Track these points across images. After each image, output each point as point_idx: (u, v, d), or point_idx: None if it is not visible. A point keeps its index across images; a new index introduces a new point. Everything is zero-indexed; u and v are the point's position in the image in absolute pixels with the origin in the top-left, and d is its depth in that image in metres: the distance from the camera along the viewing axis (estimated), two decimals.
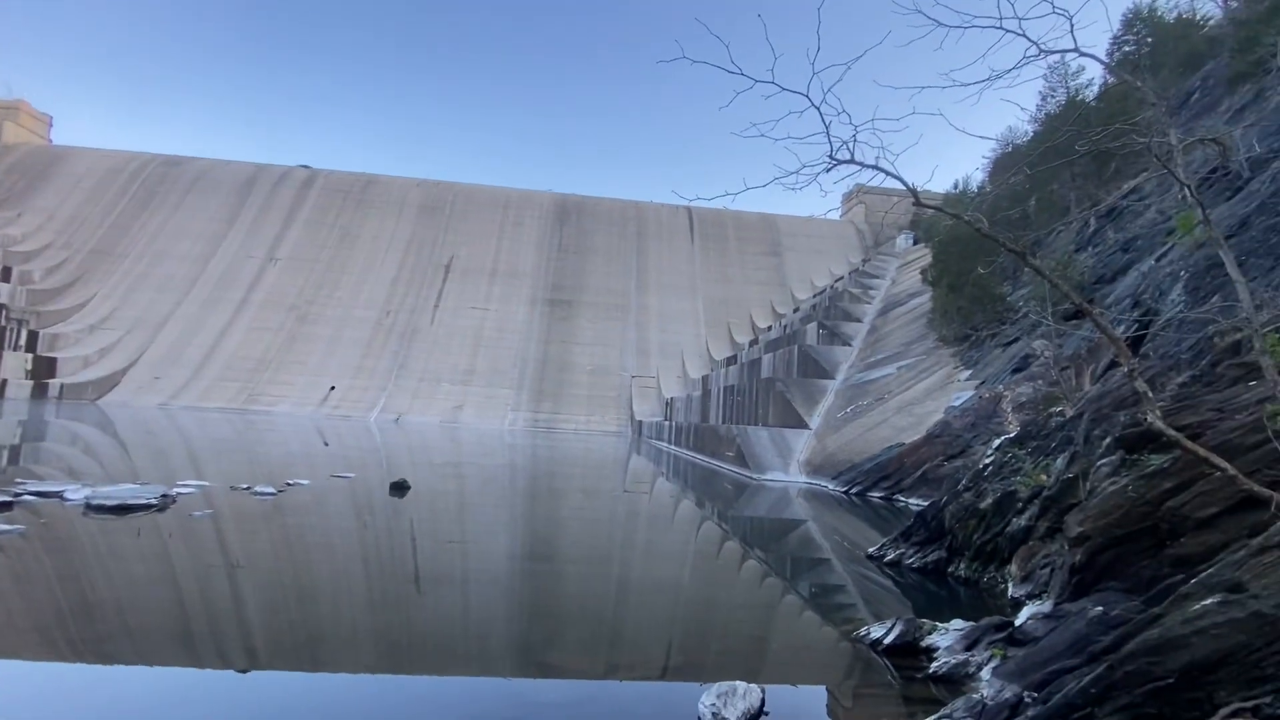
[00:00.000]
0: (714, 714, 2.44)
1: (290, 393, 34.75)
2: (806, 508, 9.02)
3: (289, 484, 7.59)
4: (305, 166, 46.84)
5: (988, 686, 2.86)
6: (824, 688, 2.96)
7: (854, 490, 10.42)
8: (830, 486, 10.97)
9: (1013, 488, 4.99)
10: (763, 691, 2.50)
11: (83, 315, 36.29)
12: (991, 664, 3.05)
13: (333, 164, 54.14)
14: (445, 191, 46.77)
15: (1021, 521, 4.76)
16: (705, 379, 28.22)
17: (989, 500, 5.04)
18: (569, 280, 42.98)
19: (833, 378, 16.62)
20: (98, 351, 34.41)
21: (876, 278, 30.23)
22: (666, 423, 26.43)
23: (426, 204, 45.55)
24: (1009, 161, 18.96)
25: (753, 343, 31.70)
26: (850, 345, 19.10)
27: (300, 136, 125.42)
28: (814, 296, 37.01)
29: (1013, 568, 4.62)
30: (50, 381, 31.75)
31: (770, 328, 35.33)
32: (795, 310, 35.54)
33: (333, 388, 35.27)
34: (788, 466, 12.52)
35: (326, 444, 16.17)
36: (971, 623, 3.40)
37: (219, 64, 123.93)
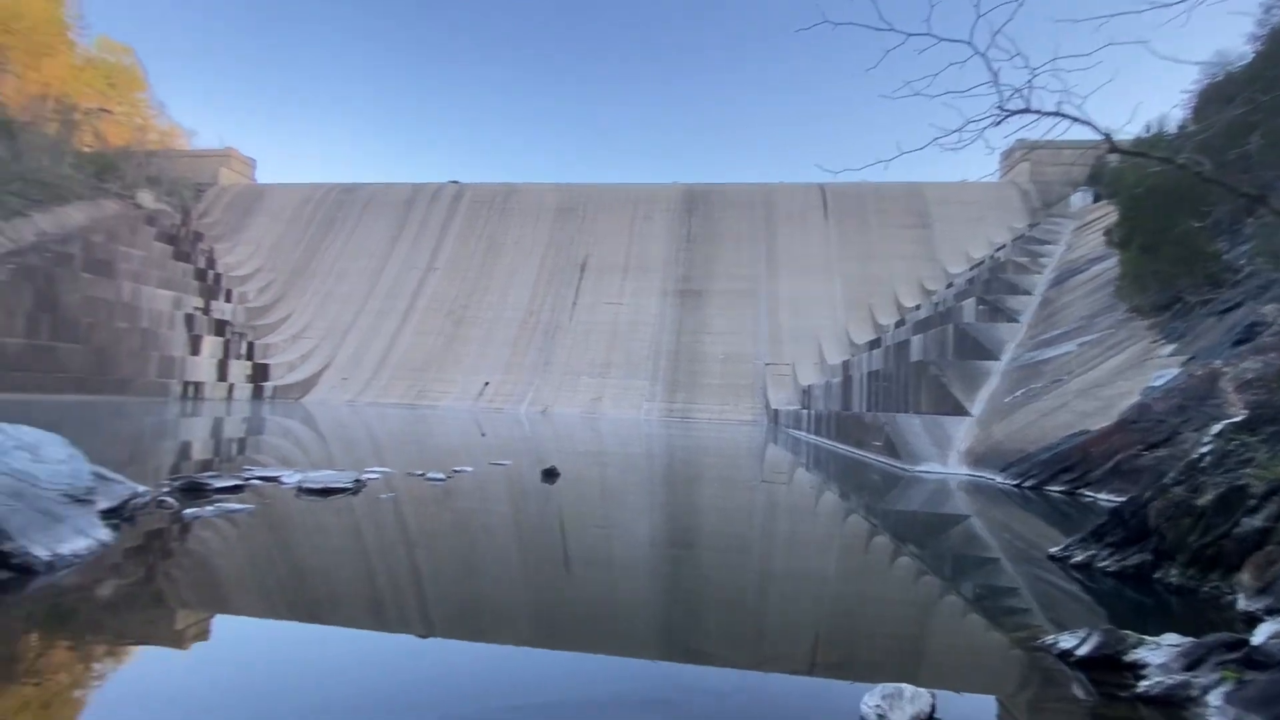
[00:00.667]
0: (879, 716, 2.29)
1: (451, 389, 38.34)
2: (969, 502, 8.24)
3: (455, 470, 8.38)
4: (455, 182, 51.19)
5: (1219, 715, 2.41)
6: (1001, 698, 2.68)
7: (1027, 484, 9.32)
8: (998, 479, 9.92)
9: (1242, 481, 4.16)
10: (933, 697, 2.31)
11: (287, 327, 42.69)
12: (1222, 688, 2.56)
13: (479, 177, 58.53)
14: (579, 194, 48.74)
15: (1255, 522, 3.96)
16: (845, 364, 26.83)
17: (1209, 496, 4.25)
18: (698, 270, 42.96)
19: (996, 358, 15.01)
20: (299, 357, 40.38)
21: (1047, 243, 26.77)
22: (804, 411, 25.53)
23: (562, 207, 47.82)
24: (1220, 92, 15.78)
25: (899, 324, 29.57)
26: (1017, 321, 17.11)
27: (451, 153, 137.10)
28: (970, 269, 33.67)
29: (1244, 576, 3.86)
30: (265, 384, 37.75)
31: (919, 307, 32.70)
32: (948, 286, 32.57)
33: (487, 383, 38.39)
34: (945, 457, 11.52)
35: (483, 434, 17.64)
36: (1191, 638, 2.88)
37: (381, 96, 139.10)
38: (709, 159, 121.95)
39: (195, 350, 34.92)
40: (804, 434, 22.82)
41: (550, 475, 8.42)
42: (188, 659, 2.61)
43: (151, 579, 3.77)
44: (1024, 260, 24.10)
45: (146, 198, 45.99)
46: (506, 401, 37.21)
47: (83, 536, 3.97)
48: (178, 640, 2.85)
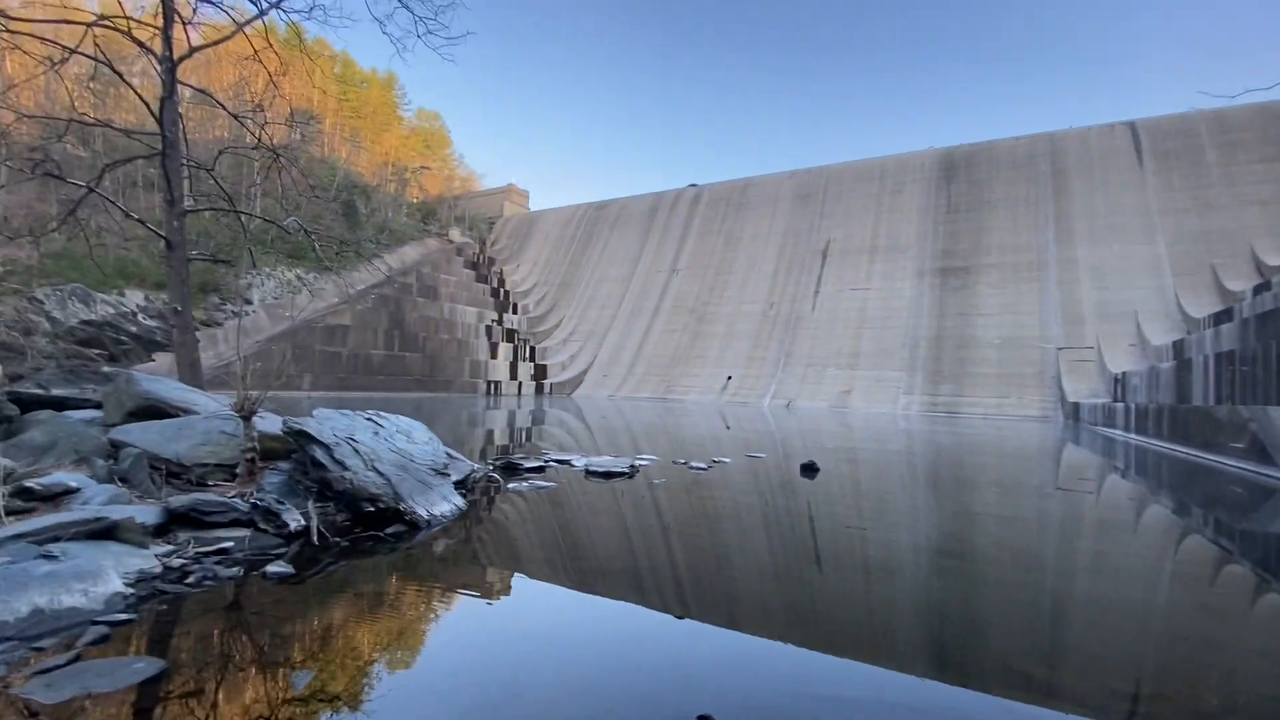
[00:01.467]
0: None
1: (696, 383, 39.96)
2: None
3: (714, 461, 8.66)
4: (693, 185, 53.25)
5: None
6: None
7: None
8: None
9: None
10: None
11: (559, 332, 48.91)
12: None
13: (716, 177, 59.93)
14: (816, 178, 46.82)
15: None
16: (1178, 345, 21.15)
17: None
18: (962, 244, 37.90)
19: None
20: (569, 358, 45.97)
21: None
22: (1118, 405, 20.77)
23: (799, 194, 46.44)
24: None
25: (1260, 288, 22.31)
26: None
27: (690, 159, 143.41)
28: None
29: None
30: (544, 381, 43.73)
31: None
32: None
33: (730, 377, 39.15)
34: None
35: (728, 427, 17.97)
36: None
37: (626, 119, 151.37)
38: (968, 117, 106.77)
39: (494, 355, 42.15)
40: (1118, 432, 18.59)
41: (809, 470, 8.18)
42: (512, 601, 3.09)
43: (493, 537, 4.58)
44: None
45: (455, 233, 56.92)
46: (750, 395, 37.43)
47: (446, 502, 5.01)
48: (504, 586, 3.40)
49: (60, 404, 5.11)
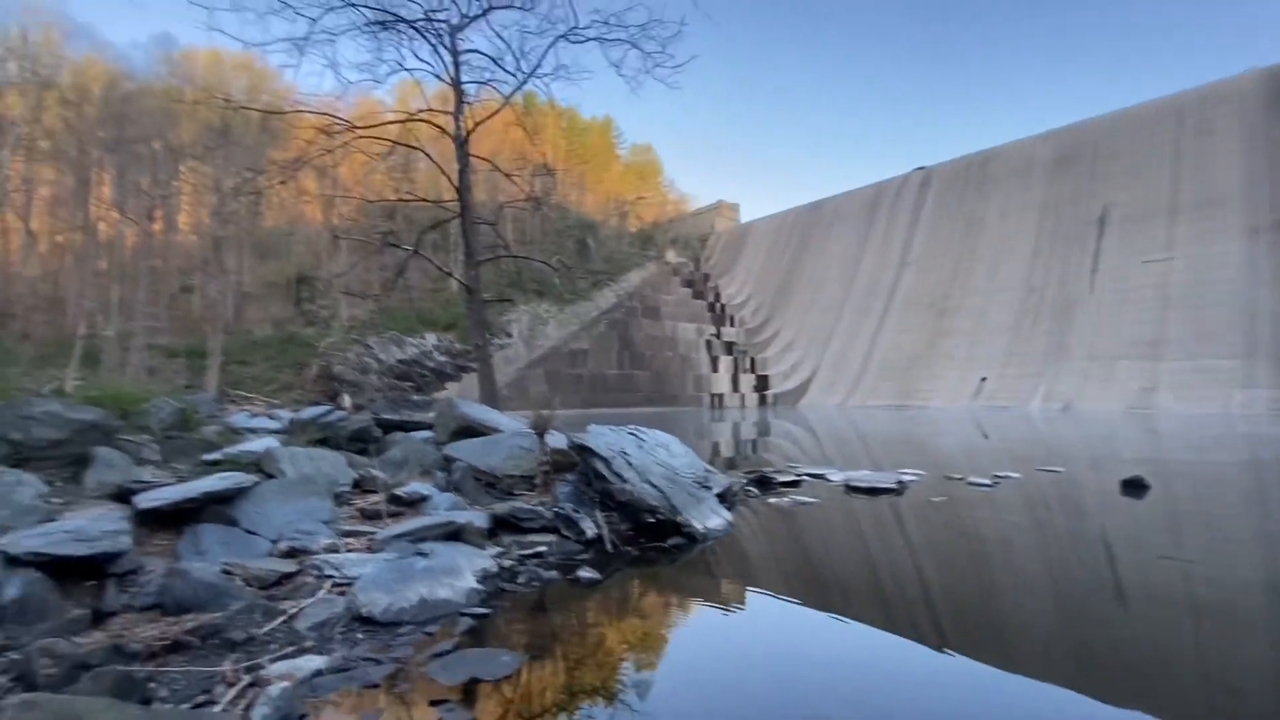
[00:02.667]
0: None
1: (940, 387, 35.85)
2: None
3: (998, 476, 7.48)
4: (920, 168, 48.46)
5: None
6: None
7: None
8: None
9: None
10: None
11: (777, 341, 48.00)
12: None
13: (946, 155, 53.88)
14: (1079, 135, 39.23)
15: None
16: None
17: None
18: None
19: None
20: (791, 367, 44.77)
21: None
22: None
23: (1058, 157, 39.33)
24: None
25: None
26: None
27: (910, 143, 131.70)
28: None
29: None
30: (766, 392, 43.16)
31: None
32: None
33: (984, 379, 34.37)
34: None
35: (986, 436, 15.63)
36: None
37: (831, 111, 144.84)
38: None
39: (715, 368, 42.93)
40: None
41: (1135, 487, 6.60)
42: (797, 621, 2.85)
43: (769, 554, 4.44)
44: None
45: (671, 255, 59.63)
46: (1010, 398, 32.39)
47: (716, 516, 5.03)
48: (788, 606, 3.18)
49: (405, 426, 6.33)
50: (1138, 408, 27.35)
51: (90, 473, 3.74)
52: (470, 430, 5.89)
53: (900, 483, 6.81)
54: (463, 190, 8.09)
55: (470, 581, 3.28)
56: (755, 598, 3.43)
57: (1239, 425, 18.63)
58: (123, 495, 3.43)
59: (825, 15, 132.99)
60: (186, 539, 3.26)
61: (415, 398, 32.20)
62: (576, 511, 4.60)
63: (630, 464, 5.36)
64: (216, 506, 3.45)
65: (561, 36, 8.16)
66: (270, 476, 4.13)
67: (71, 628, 2.38)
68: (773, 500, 6.05)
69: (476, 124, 8.49)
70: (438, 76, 8.14)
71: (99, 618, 2.48)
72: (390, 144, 8.32)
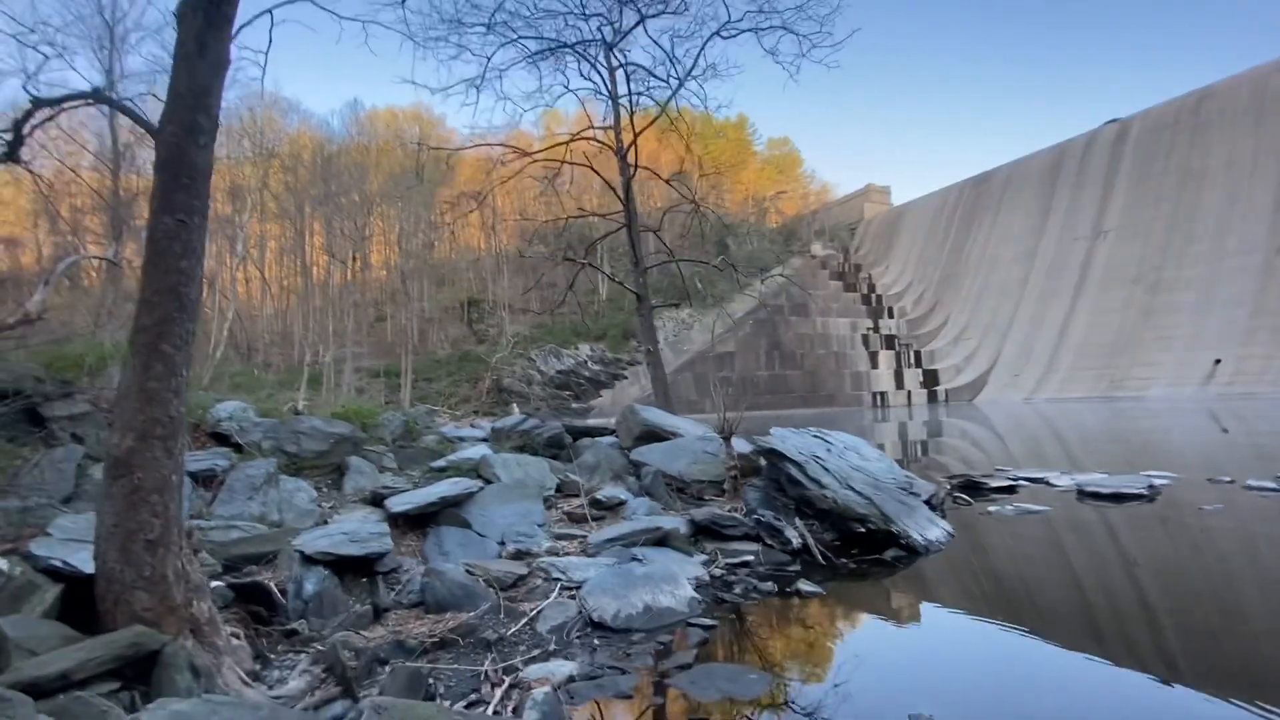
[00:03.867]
0: None
1: (1160, 373, 30.38)
2: None
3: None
4: (1112, 120, 41.73)
5: None
6: None
7: None
8: None
9: None
10: None
11: (945, 331, 43.82)
12: None
13: (1146, 103, 46.08)
14: None
15: None
16: None
17: None
18: None
19: None
20: (964, 359, 40.59)
21: None
22: None
23: None
24: None
25: None
26: None
27: (1095, 95, 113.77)
28: None
29: None
30: (936, 388, 39.53)
31: None
32: None
33: (1218, 361, 28.55)
34: None
35: (1225, 430, 12.84)
36: None
37: (990, 70, 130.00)
38: None
39: (874, 364, 40.22)
40: None
41: None
42: (1049, 650, 2.33)
43: (1003, 570, 3.88)
44: None
45: (817, 248, 57.11)
46: (1259, 383, 26.53)
47: (935, 526, 4.52)
48: (1039, 630, 2.65)
49: (592, 432, 6.54)
50: None
51: (347, 479, 4.25)
52: (652, 435, 5.91)
53: (1152, 487, 5.71)
54: (628, 200, 8.28)
55: (689, 590, 3.20)
56: (1001, 622, 2.96)
57: None
58: (376, 500, 3.84)
59: None
60: (430, 540, 3.54)
61: (574, 405, 33.90)
62: (778, 519, 4.37)
63: (826, 469, 5.02)
64: (451, 510, 3.72)
65: (715, 34, 8.06)
66: (487, 481, 4.41)
67: (359, 622, 2.63)
68: (993, 509, 5.35)
69: (637, 135, 8.65)
70: (598, 93, 8.49)
71: (378, 613, 2.74)
72: (558, 164, 8.79)
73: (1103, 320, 34.68)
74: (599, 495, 4.71)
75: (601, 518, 4.49)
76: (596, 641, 2.72)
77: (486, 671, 2.37)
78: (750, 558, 3.90)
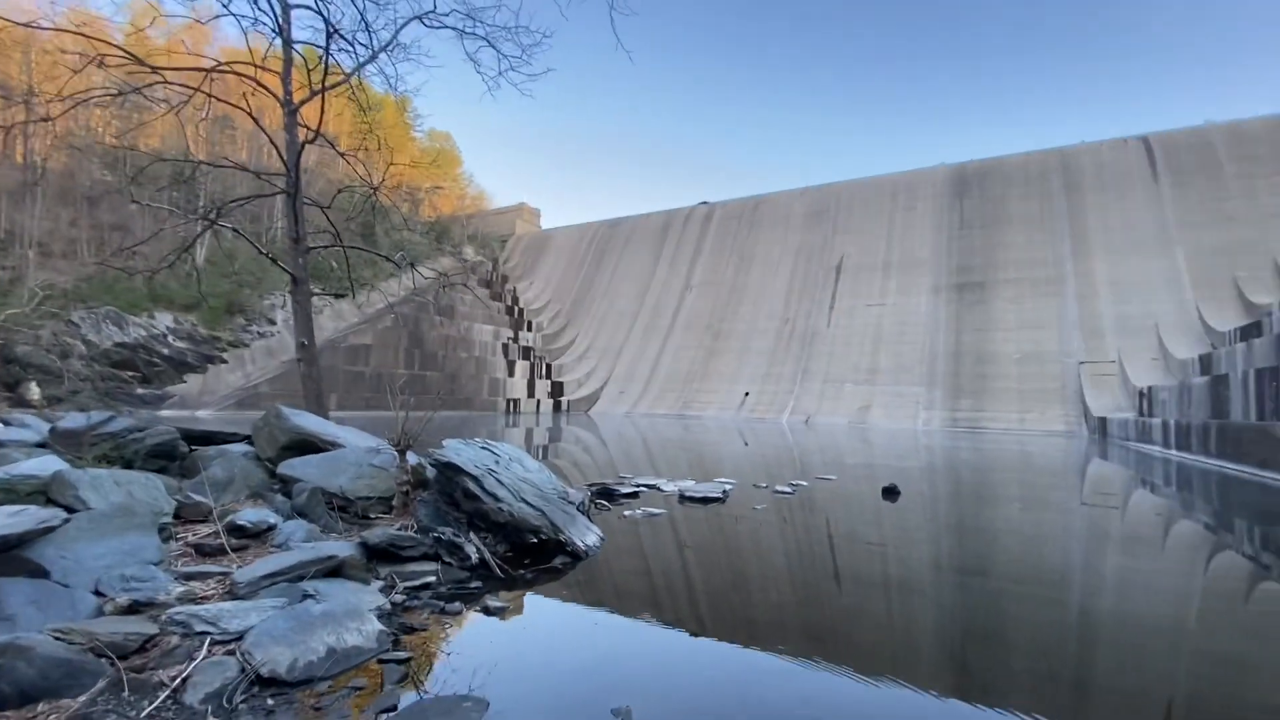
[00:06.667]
0: None
1: (714, 399, 40.07)
2: None
3: (793, 484, 8.79)
4: (705, 202, 53.77)
5: None
6: None
7: None
8: None
9: None
10: None
11: (573, 350, 49.10)
12: None
13: (728, 195, 60.48)
14: (829, 195, 47.31)
15: None
16: (1207, 359, 21.32)
17: None
18: (977, 259, 38.20)
19: None
20: (585, 375, 46.12)
21: None
22: (1152, 420, 20.87)
23: (811, 210, 46.89)
24: None
25: None
26: None
27: (701, 176, 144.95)
28: None
29: None
30: (561, 399, 43.83)
31: None
32: None
33: (747, 394, 39.27)
34: None
35: (746, 444, 18.14)
36: None
37: (637, 134, 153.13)
38: (979, 134, 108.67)
39: (511, 373, 42.32)
40: (1156, 449, 18.69)
41: (891, 493, 8.32)
42: (713, 626, 3.22)
43: (656, 567, 4.71)
44: None
45: (469, 252, 57.38)
46: (768, 411, 37.52)
47: (591, 532, 5.14)
48: (696, 612, 3.53)
49: (211, 439, 5.26)
50: (857, 421, 33.77)
51: None
52: (306, 445, 5.15)
53: (725, 492, 7.64)
54: (296, 166, 6.88)
55: (375, 623, 2.97)
56: (657, 606, 3.65)
57: (921, 437, 24.18)
58: None
59: (647, 45, 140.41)
60: None
61: (141, 391, 25.99)
62: (458, 535, 4.36)
63: (501, 482, 5.21)
64: (12, 553, 2.59)
65: (418, 17, 7.48)
66: (70, 509, 3.20)
67: None
68: (626, 513, 6.35)
69: (315, 92, 7.29)
70: (261, 25, 6.82)
71: None
72: (192, 92, 6.70)
73: (684, 355, 43.95)
74: (239, 520, 3.90)
75: (244, 548, 3.74)
76: (271, 702, 2.32)
77: None
78: (432, 578, 3.80)
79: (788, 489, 8.35)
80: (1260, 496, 9.23)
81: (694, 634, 3.26)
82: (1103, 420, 26.20)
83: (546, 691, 2.57)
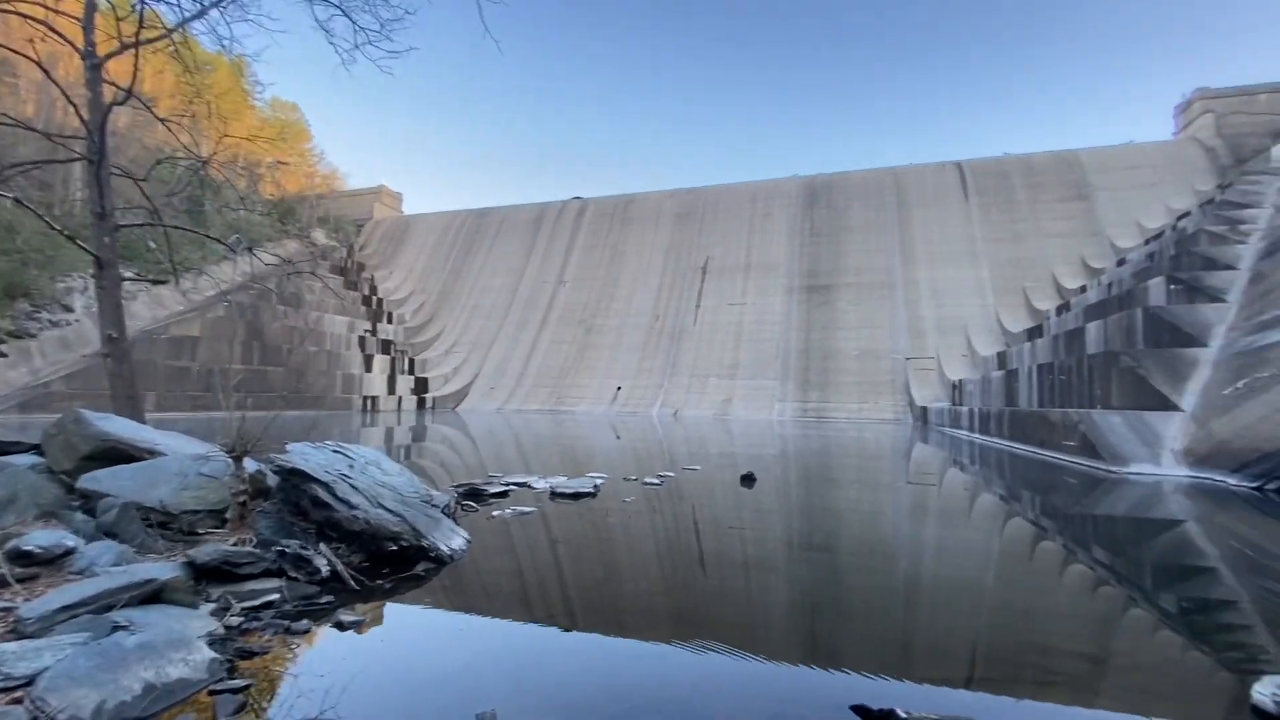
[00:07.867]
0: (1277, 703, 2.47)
1: (586, 394, 40.27)
2: (1188, 507, 7.66)
3: (662, 476, 9.12)
4: (577, 198, 53.65)
5: None
6: None
7: (1270, 486, 8.50)
8: (1230, 481, 9.11)
9: None
10: None
11: (440, 343, 46.87)
12: None
13: (601, 191, 60.74)
14: (696, 197, 49.29)
15: None
16: (1002, 356, 25.13)
17: None
18: (824, 264, 41.87)
19: (1203, 344, 13.54)
20: (453, 370, 44.22)
21: (1248, 207, 23.43)
22: (961, 409, 24.21)
23: (680, 212, 48.60)
24: None
25: (1062, 309, 27.18)
26: (1224, 300, 15.27)
27: (575, 172, 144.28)
28: (1147, 243, 30.18)
29: None
30: (426, 395, 41.71)
31: (1084, 288, 29.85)
32: (1120, 263, 29.43)
33: (619, 388, 39.92)
34: (1157, 457, 10.68)
35: (618, 437, 18.61)
36: None
37: (507, 122, 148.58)
38: (831, 150, 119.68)
39: (369, 368, 39.43)
40: (964, 433, 21.69)
41: (748, 480, 8.92)
42: (580, 619, 3.32)
43: (526, 566, 4.66)
44: (1220, 229, 21.26)
45: (319, 235, 52.52)
46: (639, 405, 38.44)
47: (456, 535, 4.97)
48: (565, 609, 3.60)
49: None
50: (720, 414, 35.69)
51: None
52: (114, 454, 4.47)
53: (596, 487, 7.75)
54: (98, 128, 5.74)
55: (205, 651, 2.68)
56: (527, 612, 3.65)
57: (776, 427, 26.16)
58: None
59: (519, 34, 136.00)
60: None
61: None
62: (304, 548, 4.02)
63: (356, 488, 4.89)
64: None
65: None
66: None
67: None
68: (495, 513, 6.23)
69: (126, 46, 6.12)
70: None
71: None
72: None
73: (556, 350, 43.68)
74: (25, 545, 3.31)
75: (33, 577, 3.18)
76: None
77: None
78: (275, 596, 3.48)
79: (656, 480, 8.64)
80: (1040, 472, 11.09)
81: (565, 629, 3.30)
82: (924, 409, 29.99)
83: (407, 704, 2.48)
